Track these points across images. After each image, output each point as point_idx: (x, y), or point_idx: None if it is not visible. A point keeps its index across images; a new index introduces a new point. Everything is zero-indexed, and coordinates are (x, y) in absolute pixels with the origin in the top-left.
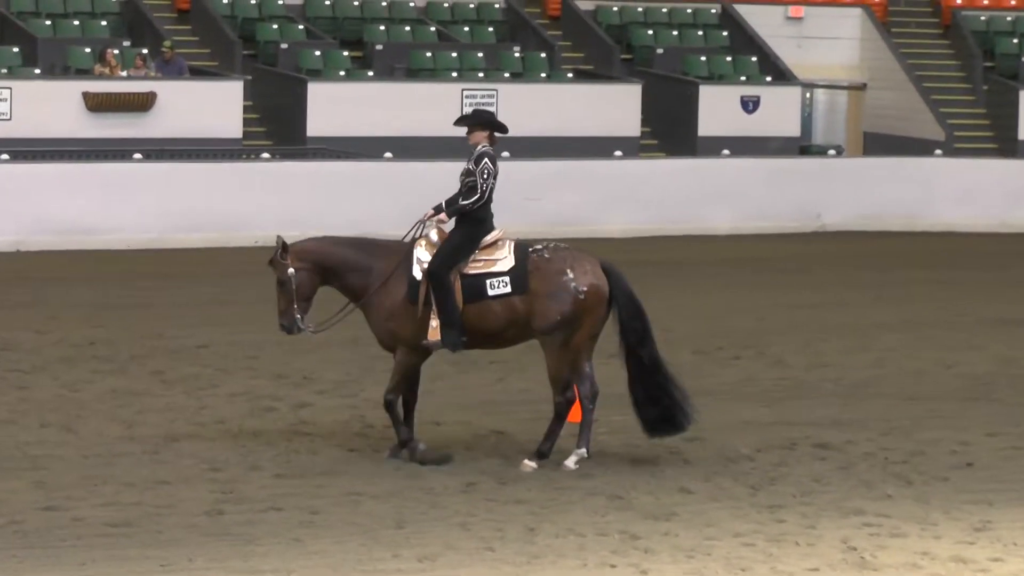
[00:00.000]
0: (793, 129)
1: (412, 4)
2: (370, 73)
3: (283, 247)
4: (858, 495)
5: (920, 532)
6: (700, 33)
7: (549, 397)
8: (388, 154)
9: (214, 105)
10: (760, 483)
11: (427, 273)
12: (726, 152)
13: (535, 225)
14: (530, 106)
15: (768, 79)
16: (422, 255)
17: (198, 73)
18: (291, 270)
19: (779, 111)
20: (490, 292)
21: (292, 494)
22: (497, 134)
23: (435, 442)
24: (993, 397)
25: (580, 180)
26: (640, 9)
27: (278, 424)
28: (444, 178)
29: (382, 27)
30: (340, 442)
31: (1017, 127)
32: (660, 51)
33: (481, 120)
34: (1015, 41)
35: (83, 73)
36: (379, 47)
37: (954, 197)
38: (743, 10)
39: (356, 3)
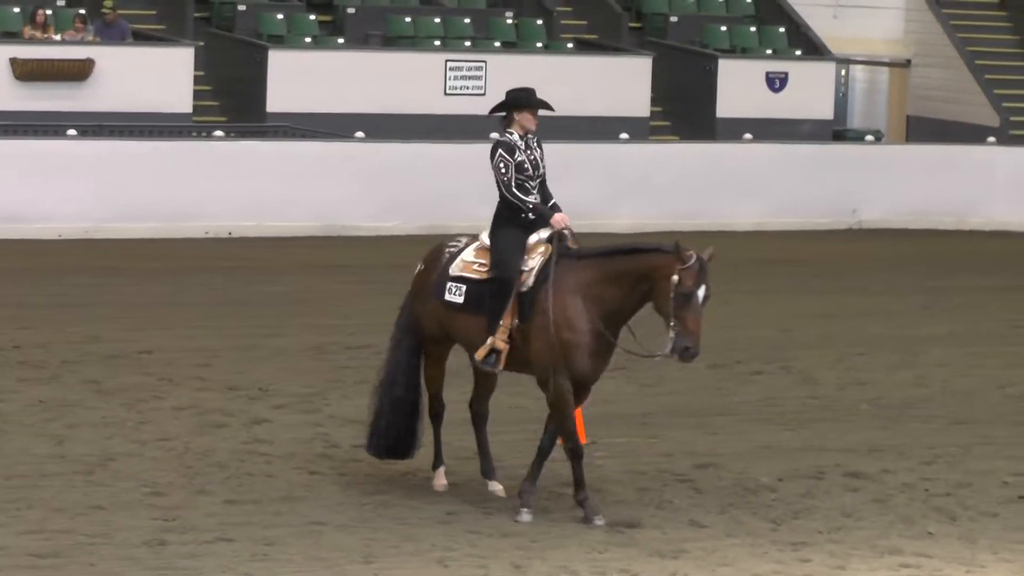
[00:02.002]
0: (826, 111)
1: None
2: (341, 40)
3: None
4: (895, 532)
5: (965, 574)
6: None
7: (541, 416)
8: (360, 133)
9: (161, 75)
10: (783, 517)
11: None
12: (748, 136)
13: None
14: (524, 80)
15: (798, 53)
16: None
17: (143, 38)
18: None
19: (810, 90)
20: None
21: (244, 523)
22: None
23: (411, 466)
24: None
25: (582, 166)
26: None
27: (230, 442)
28: (424, 161)
29: None
30: (300, 464)
31: None
32: (674, 19)
33: (505, 103)
34: None
35: (10, 36)
36: (351, 11)
37: (1010, 192)
38: None
39: None
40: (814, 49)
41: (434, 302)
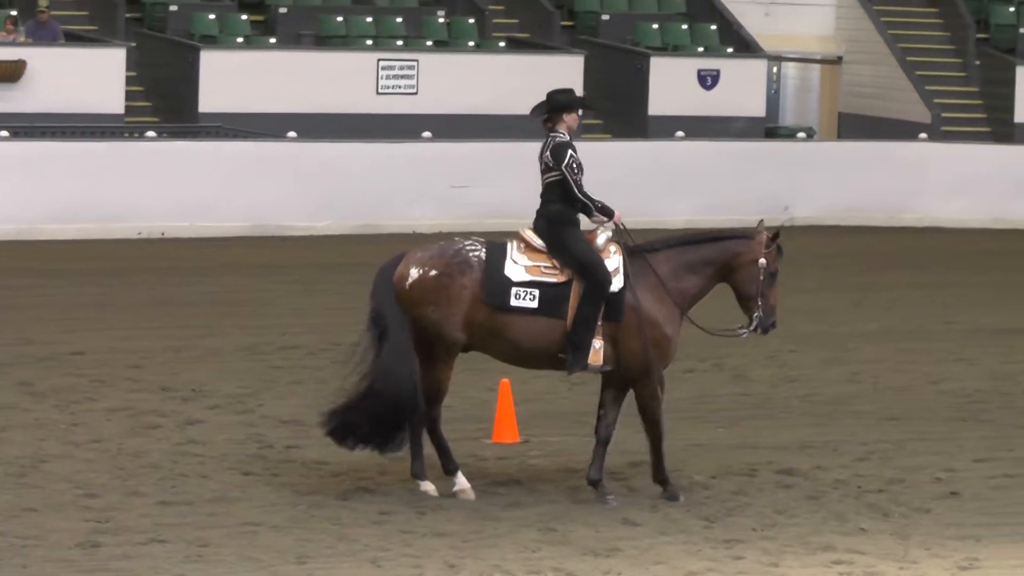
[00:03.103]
0: (758, 108)
1: None
2: (273, 40)
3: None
4: (828, 529)
5: (898, 571)
6: None
7: (473, 415)
8: (292, 133)
9: (93, 76)
10: (716, 515)
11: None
12: (680, 134)
13: (461, 217)
14: (456, 79)
15: (730, 50)
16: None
17: (75, 39)
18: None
19: (742, 87)
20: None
21: (178, 524)
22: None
23: (347, 467)
24: (984, 418)
25: (514, 165)
26: None
27: (163, 444)
28: (356, 161)
29: None
30: (234, 465)
31: (1014, 108)
32: (606, 17)
33: (557, 104)
34: (1012, 10)
35: None
36: (283, 10)
37: (942, 188)
38: None
39: None
40: (746, 46)
41: (481, 309)
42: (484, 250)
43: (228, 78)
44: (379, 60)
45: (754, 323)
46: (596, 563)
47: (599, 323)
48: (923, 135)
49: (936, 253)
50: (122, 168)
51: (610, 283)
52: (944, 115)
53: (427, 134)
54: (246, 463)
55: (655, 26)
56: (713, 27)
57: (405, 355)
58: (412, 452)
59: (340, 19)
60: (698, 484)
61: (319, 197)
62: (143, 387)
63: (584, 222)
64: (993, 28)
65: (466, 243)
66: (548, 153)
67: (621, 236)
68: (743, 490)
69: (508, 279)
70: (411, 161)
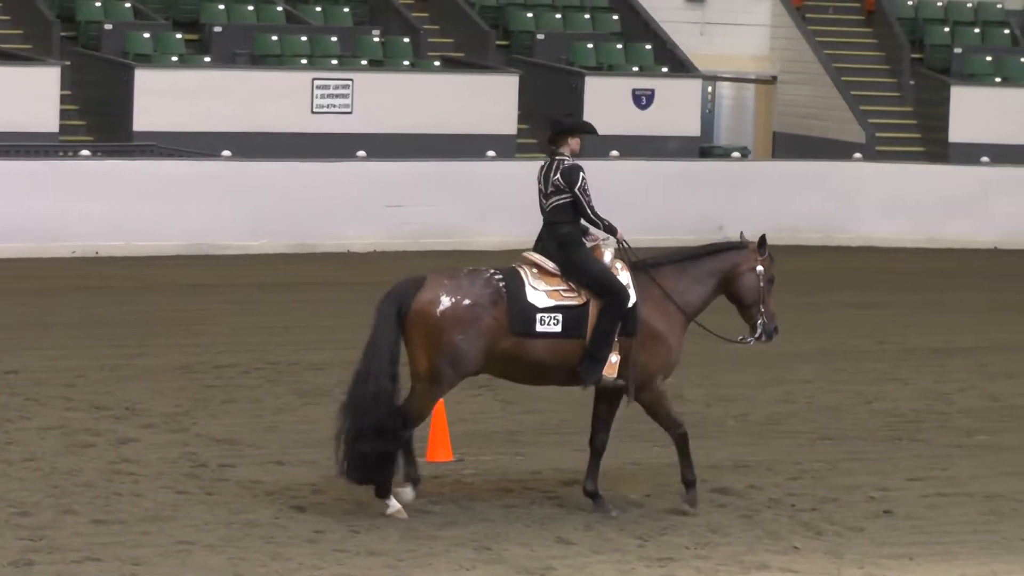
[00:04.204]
0: (692, 128)
1: None
2: (207, 59)
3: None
4: (762, 547)
5: None
6: (587, 17)
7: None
8: (227, 152)
9: (27, 94)
10: (650, 533)
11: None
12: (615, 153)
13: (396, 236)
14: (391, 99)
15: (664, 70)
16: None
17: (8, 57)
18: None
19: (677, 107)
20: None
21: (112, 543)
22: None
23: (281, 486)
24: (918, 437)
25: (449, 184)
26: None
27: (97, 462)
28: (291, 180)
29: (221, 6)
30: (168, 483)
31: (948, 128)
32: (541, 37)
33: (563, 127)
34: (946, 30)
35: None
36: (218, 29)
37: (877, 207)
38: None
39: None
40: (680, 66)
41: (507, 338)
42: (503, 278)
43: (163, 97)
44: (314, 79)
45: (759, 330)
46: None
47: (616, 338)
48: (858, 155)
49: (870, 273)
50: (56, 187)
51: (628, 299)
52: (879, 135)
53: (362, 153)
54: (180, 482)
55: (590, 45)
56: (648, 47)
57: (387, 378)
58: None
59: (275, 38)
60: (632, 503)
61: (254, 216)
62: (77, 406)
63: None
64: (928, 48)
65: (489, 272)
66: (558, 176)
67: (624, 253)
68: (677, 509)
69: (533, 306)
70: (346, 180)
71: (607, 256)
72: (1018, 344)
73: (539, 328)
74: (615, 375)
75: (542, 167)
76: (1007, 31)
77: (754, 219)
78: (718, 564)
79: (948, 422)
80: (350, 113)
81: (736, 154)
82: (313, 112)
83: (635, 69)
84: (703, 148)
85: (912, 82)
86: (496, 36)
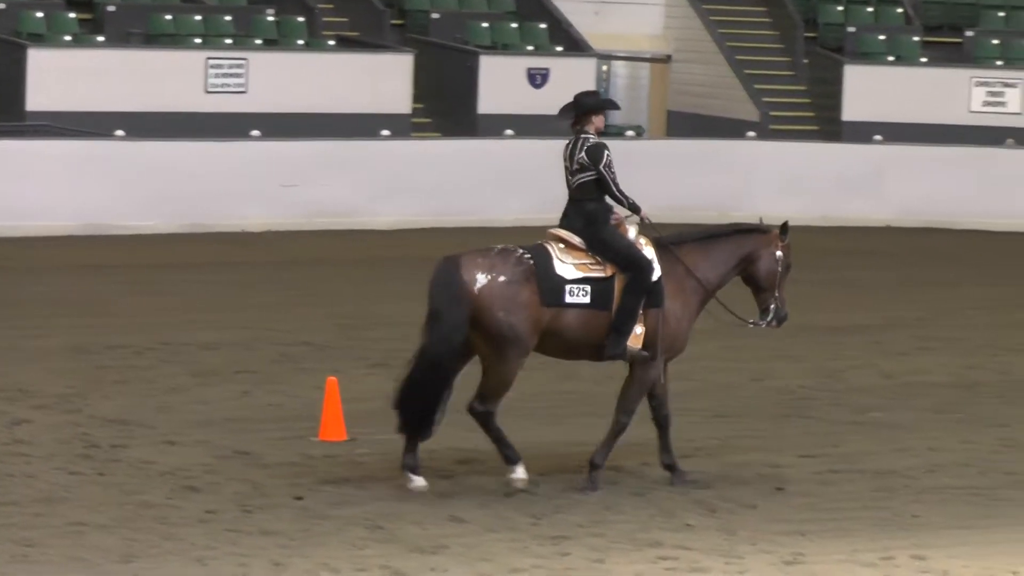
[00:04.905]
0: None
1: None
2: (101, 39)
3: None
4: (655, 525)
5: (724, 567)
6: None
7: (301, 414)
8: (120, 132)
9: None
10: (543, 512)
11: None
12: (510, 132)
13: (292, 216)
14: (286, 78)
15: (559, 49)
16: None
17: None
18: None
19: (572, 86)
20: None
21: (4, 524)
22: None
23: (174, 467)
24: (809, 414)
25: (343, 164)
26: None
27: None
28: (185, 160)
29: None
30: (61, 464)
31: (841, 106)
32: (436, 16)
33: (586, 106)
34: (840, 9)
35: None
36: (112, 9)
37: (771, 186)
38: None
39: None
40: (575, 45)
41: (544, 312)
42: (531, 256)
43: (56, 76)
44: (208, 59)
45: (771, 314)
46: (423, 560)
47: (641, 311)
48: (751, 133)
49: None
50: None
51: (651, 272)
52: (772, 113)
53: (256, 132)
54: (73, 462)
55: (485, 25)
56: (543, 26)
57: (453, 352)
58: (407, 445)
59: (169, 17)
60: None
61: (148, 196)
62: None
63: None
64: (821, 27)
65: (518, 250)
66: (583, 154)
67: (647, 230)
68: (571, 487)
69: (562, 278)
70: (240, 160)
71: (631, 233)
72: (911, 322)
73: (568, 299)
74: (640, 346)
75: (567, 145)
76: (900, 10)
77: (648, 197)
78: (611, 542)
79: (839, 399)
80: (244, 92)
81: (630, 133)
82: (207, 91)
83: (530, 48)
84: None
85: (806, 61)
86: (391, 15)
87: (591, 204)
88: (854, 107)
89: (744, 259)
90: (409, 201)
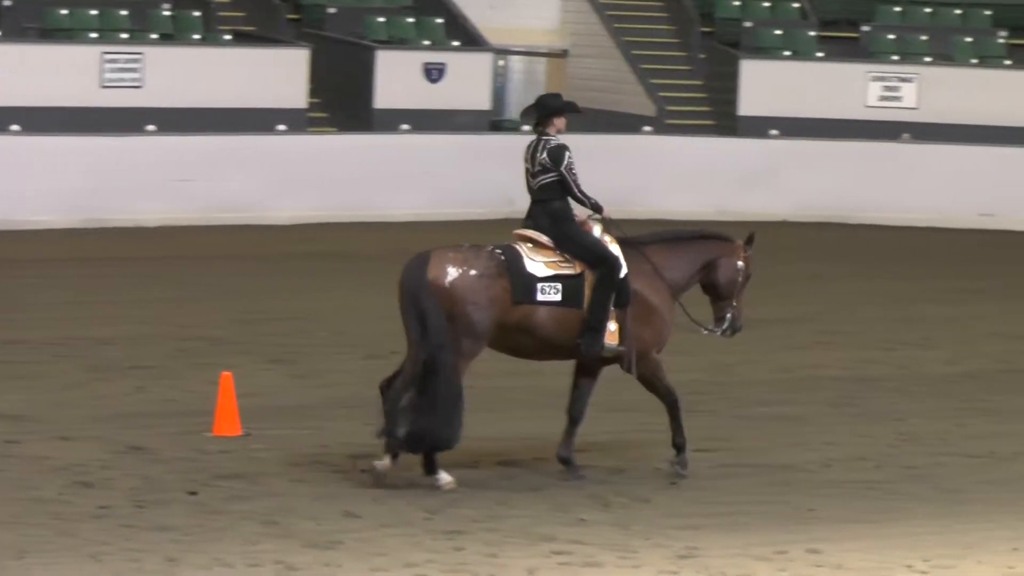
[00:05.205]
0: (483, 101)
1: None
2: None
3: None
4: (549, 520)
5: (618, 561)
6: None
7: (196, 409)
8: (16, 127)
9: None
10: (438, 506)
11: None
12: (406, 127)
13: (188, 211)
14: (182, 73)
15: (456, 44)
16: None
17: None
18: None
19: (468, 81)
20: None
21: None
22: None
23: (68, 462)
24: (703, 408)
25: (239, 159)
26: None
27: None
28: (80, 155)
29: None
30: None
31: (737, 101)
32: (333, 11)
33: (549, 108)
34: (737, 3)
35: None
36: (8, 3)
37: (667, 180)
38: None
39: None
40: (471, 40)
41: (514, 310)
42: (503, 252)
43: None
44: (103, 53)
45: (726, 323)
46: (317, 555)
47: (611, 308)
48: (648, 128)
49: None
50: None
51: (620, 269)
52: (669, 108)
53: (152, 127)
54: None
55: (381, 19)
56: (439, 21)
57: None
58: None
59: (65, 12)
60: (420, 476)
61: (44, 191)
62: None
63: None
64: (718, 22)
65: (489, 247)
66: (545, 155)
67: (611, 229)
68: (466, 481)
69: (533, 276)
70: (136, 154)
71: (596, 231)
72: (807, 316)
73: (540, 297)
74: (617, 342)
75: (528, 146)
76: (796, 4)
77: None
78: (506, 536)
79: (731, 393)
80: (140, 87)
81: (526, 127)
82: (103, 86)
83: (426, 43)
84: (494, 122)
85: (702, 56)
86: (287, 10)
87: (556, 203)
88: (750, 102)
89: (707, 265)
90: (305, 196)
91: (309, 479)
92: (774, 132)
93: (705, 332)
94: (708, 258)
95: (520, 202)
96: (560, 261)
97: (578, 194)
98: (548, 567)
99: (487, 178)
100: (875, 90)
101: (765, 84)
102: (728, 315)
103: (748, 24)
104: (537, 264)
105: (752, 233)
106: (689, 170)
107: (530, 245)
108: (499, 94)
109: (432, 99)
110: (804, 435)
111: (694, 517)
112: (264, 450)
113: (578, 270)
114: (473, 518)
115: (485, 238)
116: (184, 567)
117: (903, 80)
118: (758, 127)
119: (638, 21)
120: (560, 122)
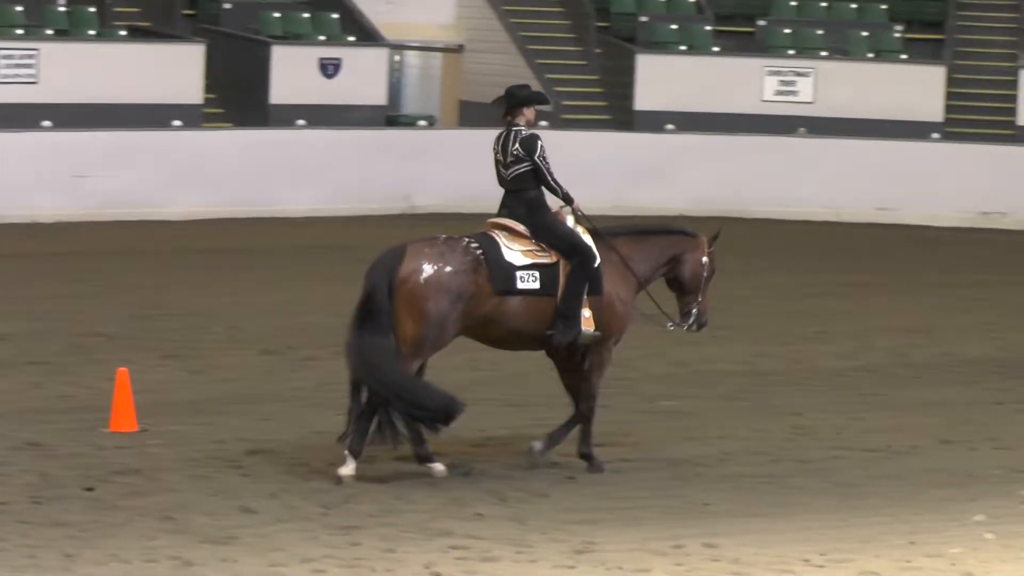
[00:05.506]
0: (379, 96)
1: None
2: None
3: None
4: (446, 514)
5: (514, 556)
6: None
7: (92, 405)
8: None
9: None
10: (334, 501)
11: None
12: (301, 122)
13: (83, 207)
14: (77, 68)
15: (351, 39)
16: None
17: None
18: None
19: (363, 76)
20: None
21: None
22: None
23: None
24: (600, 403)
25: (135, 154)
26: None
27: None
28: None
29: None
30: None
31: (633, 96)
32: (228, 6)
33: (518, 99)
34: None
35: None
36: None
37: (563, 174)
38: None
39: None
40: (367, 35)
41: (490, 300)
42: (479, 244)
43: None
44: None
45: (692, 318)
46: (214, 551)
47: (584, 297)
48: (544, 123)
49: None
50: None
51: (594, 258)
52: (565, 103)
53: (47, 123)
54: None
55: (277, 15)
56: (335, 16)
57: (390, 352)
58: (411, 437)
59: None
60: (317, 472)
61: None
62: None
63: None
64: (614, 16)
65: (464, 240)
66: (517, 146)
67: (582, 220)
68: (362, 476)
69: (512, 264)
70: (31, 150)
71: (569, 221)
72: None
73: (519, 285)
74: (594, 328)
75: (498, 137)
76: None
77: (442, 187)
78: (402, 531)
79: (631, 388)
80: (35, 83)
81: (422, 123)
82: None
83: (322, 38)
84: (390, 117)
85: (598, 50)
86: (183, 5)
87: (531, 193)
88: (646, 96)
89: (673, 259)
90: (201, 192)
91: (205, 475)
92: (670, 127)
93: (671, 327)
94: (674, 252)
95: (418, 197)
96: (536, 250)
97: (551, 183)
98: (445, 562)
99: (384, 173)
100: (771, 84)
101: (661, 79)
102: (694, 310)
103: (644, 19)
104: (515, 253)
105: (719, 229)
106: (584, 165)
107: (506, 233)
108: (395, 89)
109: (328, 94)
110: (700, 429)
111: (591, 512)
112: (160, 446)
113: (554, 259)
114: (370, 513)
115: (379, 234)
116: (81, 563)
117: (799, 74)
118: (654, 122)
119: (534, 16)
120: (530, 112)
